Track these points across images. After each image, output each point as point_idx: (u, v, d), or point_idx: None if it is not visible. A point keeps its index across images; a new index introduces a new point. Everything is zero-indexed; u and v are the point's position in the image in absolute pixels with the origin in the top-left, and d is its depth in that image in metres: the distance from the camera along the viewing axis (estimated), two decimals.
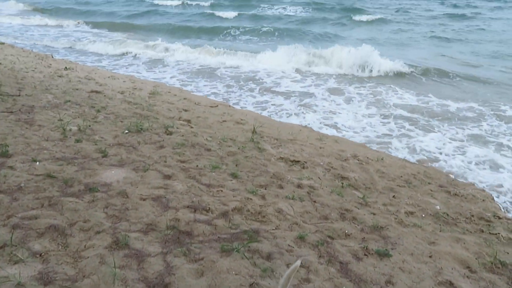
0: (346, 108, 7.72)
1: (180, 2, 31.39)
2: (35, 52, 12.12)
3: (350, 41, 15.35)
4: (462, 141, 6.03)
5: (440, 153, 5.47)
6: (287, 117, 6.99)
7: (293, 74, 10.65)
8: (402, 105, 7.90)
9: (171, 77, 10.22)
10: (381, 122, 6.88)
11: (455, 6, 31.08)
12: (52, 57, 11.24)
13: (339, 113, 7.36)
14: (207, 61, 11.96)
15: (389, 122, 6.85)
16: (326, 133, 6.07)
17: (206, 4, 31.17)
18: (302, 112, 7.31)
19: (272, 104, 7.79)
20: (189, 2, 31.68)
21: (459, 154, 5.48)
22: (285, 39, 16.92)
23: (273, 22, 21.81)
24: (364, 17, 23.42)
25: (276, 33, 18.31)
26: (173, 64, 11.89)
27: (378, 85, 9.63)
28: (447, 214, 3.64)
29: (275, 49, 12.45)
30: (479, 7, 29.16)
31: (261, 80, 9.91)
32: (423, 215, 3.59)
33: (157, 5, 31.11)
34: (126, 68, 11.37)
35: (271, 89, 9.10)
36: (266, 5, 31.10)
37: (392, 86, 9.42)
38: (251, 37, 18.10)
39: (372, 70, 10.82)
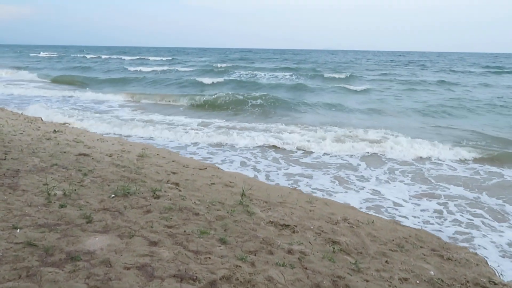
0: None
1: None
2: (24, 115, 12.19)
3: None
4: None
5: None
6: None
7: None
8: None
9: None
10: None
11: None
12: (42, 120, 11.29)
13: None
14: None
15: None
16: (316, 196, 6.04)
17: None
18: None
19: None
20: None
21: None
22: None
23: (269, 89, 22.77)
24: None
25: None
26: None
27: None
28: (442, 280, 3.54)
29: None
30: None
31: None
32: (418, 282, 3.49)
33: None
34: None
35: None
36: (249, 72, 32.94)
37: None
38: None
39: None
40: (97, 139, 8.85)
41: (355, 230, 4.52)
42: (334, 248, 3.96)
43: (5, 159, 5.83)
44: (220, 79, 27.84)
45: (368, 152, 9.56)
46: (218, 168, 7.34)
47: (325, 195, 6.38)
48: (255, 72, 36.32)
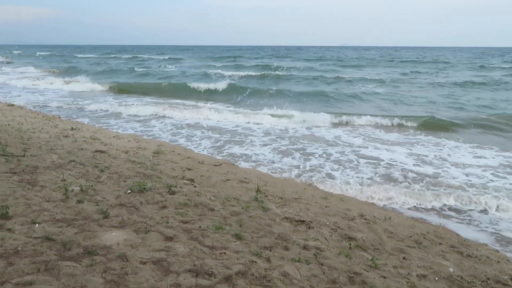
0: None
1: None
2: (43, 113, 12.41)
3: None
4: None
5: None
6: None
7: None
8: None
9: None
10: None
11: None
12: (59, 117, 11.47)
13: None
14: None
15: None
16: (331, 191, 5.98)
17: None
18: None
19: None
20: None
21: None
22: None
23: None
24: None
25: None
26: None
27: None
28: (461, 277, 3.46)
29: None
30: None
31: None
32: (436, 279, 3.42)
33: None
34: None
35: None
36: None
37: None
38: None
39: None
40: (113, 136, 8.95)
41: (372, 226, 4.46)
42: (350, 244, 3.91)
43: (24, 155, 5.93)
44: None
45: None
46: (233, 164, 7.34)
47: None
48: None
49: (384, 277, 3.32)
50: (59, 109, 15.39)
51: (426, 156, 9.18)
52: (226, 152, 8.91)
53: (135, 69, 36.42)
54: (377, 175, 7.54)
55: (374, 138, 11.19)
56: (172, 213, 4.26)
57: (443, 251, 3.99)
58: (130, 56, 66.55)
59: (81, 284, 2.72)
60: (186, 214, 4.26)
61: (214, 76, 30.94)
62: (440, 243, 4.20)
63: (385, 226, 4.52)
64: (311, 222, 4.42)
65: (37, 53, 78.22)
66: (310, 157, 8.81)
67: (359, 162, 8.47)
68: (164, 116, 14.25)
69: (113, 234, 3.55)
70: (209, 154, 8.33)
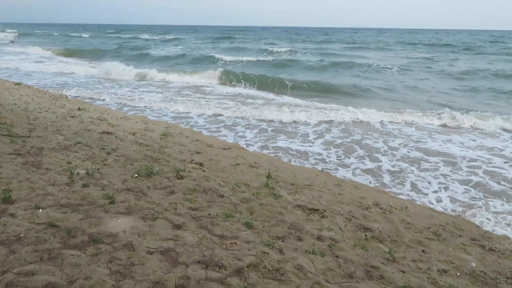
0: None
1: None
2: (50, 92, 12.27)
3: None
4: None
5: None
6: None
7: None
8: None
9: None
10: None
11: None
12: (67, 97, 11.33)
13: None
14: None
15: None
16: (344, 178, 5.79)
17: None
18: None
19: None
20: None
21: None
22: None
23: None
24: None
25: None
26: None
27: None
28: (485, 273, 3.28)
29: None
30: None
31: None
32: (458, 274, 3.24)
33: None
34: None
35: None
36: None
37: None
38: None
39: None
40: (121, 117, 8.79)
41: (388, 216, 4.28)
42: (366, 236, 3.73)
43: (29, 136, 5.80)
44: None
45: None
46: (243, 148, 7.15)
47: None
48: None
49: (403, 272, 3.15)
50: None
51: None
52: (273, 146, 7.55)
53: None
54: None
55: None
56: (180, 199, 4.11)
57: (464, 244, 3.80)
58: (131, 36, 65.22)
59: (85, 275, 2.59)
60: (195, 200, 4.11)
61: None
62: (460, 235, 4.01)
63: (402, 216, 4.33)
64: (325, 211, 4.24)
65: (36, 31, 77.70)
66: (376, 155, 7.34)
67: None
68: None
69: (119, 221, 3.41)
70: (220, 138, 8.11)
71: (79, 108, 9.08)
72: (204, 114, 10.72)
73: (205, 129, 8.95)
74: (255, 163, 5.97)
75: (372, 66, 24.34)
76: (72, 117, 7.99)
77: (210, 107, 11.58)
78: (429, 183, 5.94)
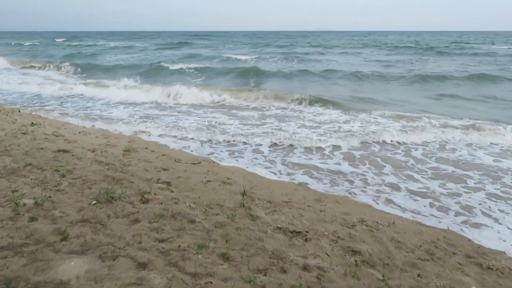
0: None
1: None
2: (2, 106, 11.35)
3: None
4: None
5: None
6: None
7: None
8: None
9: None
10: None
11: None
12: (19, 111, 10.48)
13: None
14: None
15: None
16: (324, 192, 5.44)
17: None
18: None
19: None
20: None
21: None
22: None
23: None
24: None
25: None
26: None
27: None
28: None
29: None
30: None
31: None
32: None
33: None
34: None
35: None
36: None
37: None
38: None
39: None
40: (79, 132, 8.11)
41: (376, 234, 3.94)
42: (356, 261, 3.37)
43: None
44: None
45: None
46: (214, 161, 6.69)
47: None
48: None
49: None
50: None
51: None
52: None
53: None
54: None
55: None
56: (145, 228, 3.61)
57: (460, 264, 3.50)
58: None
59: None
60: (163, 229, 3.62)
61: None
62: (454, 253, 3.71)
63: (390, 233, 4.00)
64: (308, 233, 3.86)
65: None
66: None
67: None
68: None
69: (72, 263, 2.88)
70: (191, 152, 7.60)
71: (32, 123, 8.33)
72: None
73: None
74: (228, 178, 5.53)
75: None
76: (24, 133, 7.28)
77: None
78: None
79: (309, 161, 7.06)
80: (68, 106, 12.47)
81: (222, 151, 7.68)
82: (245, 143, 8.23)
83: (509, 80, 18.60)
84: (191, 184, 5.16)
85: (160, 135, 8.85)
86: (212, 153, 7.47)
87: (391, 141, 8.46)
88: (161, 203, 4.29)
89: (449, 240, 4.00)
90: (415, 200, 5.40)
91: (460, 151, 7.84)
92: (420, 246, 3.79)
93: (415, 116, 10.93)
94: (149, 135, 8.82)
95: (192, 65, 24.33)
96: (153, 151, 6.90)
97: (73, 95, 14.58)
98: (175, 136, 8.76)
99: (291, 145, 8.08)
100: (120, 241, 3.31)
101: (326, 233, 3.91)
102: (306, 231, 3.89)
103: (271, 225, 3.98)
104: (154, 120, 10.43)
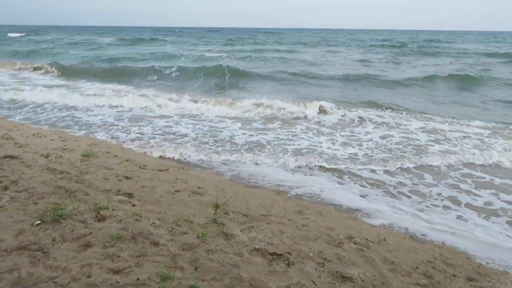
0: None
1: None
2: None
3: None
4: None
5: None
6: None
7: None
8: None
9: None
10: None
11: None
12: None
13: None
14: None
15: None
16: (305, 202, 4.96)
17: None
18: None
19: None
20: None
21: None
22: None
23: None
24: None
25: None
26: None
27: None
28: None
29: None
30: None
31: None
32: None
33: None
34: None
35: None
36: None
37: None
38: None
39: None
40: (33, 134, 7.33)
41: (366, 254, 3.49)
42: None
43: None
44: None
45: None
46: (183, 168, 6.10)
47: None
48: None
49: None
50: None
51: None
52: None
53: None
54: None
55: None
56: (98, 256, 3.02)
57: None
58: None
59: None
60: (119, 256, 3.04)
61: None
62: (454, 275, 3.30)
63: (382, 252, 3.56)
64: (290, 254, 3.36)
65: None
66: None
67: None
68: None
69: None
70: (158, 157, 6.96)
71: None
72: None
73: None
74: (199, 188, 4.97)
75: None
76: None
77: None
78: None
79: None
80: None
81: None
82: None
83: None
84: (156, 196, 4.57)
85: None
86: None
87: None
88: (120, 220, 3.69)
89: (447, 259, 3.59)
90: None
91: None
92: (417, 267, 3.36)
93: None
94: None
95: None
96: (116, 156, 6.24)
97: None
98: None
99: None
100: (64, 275, 2.71)
101: (311, 254, 3.42)
102: (288, 252, 3.39)
103: (247, 246, 3.46)
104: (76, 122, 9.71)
